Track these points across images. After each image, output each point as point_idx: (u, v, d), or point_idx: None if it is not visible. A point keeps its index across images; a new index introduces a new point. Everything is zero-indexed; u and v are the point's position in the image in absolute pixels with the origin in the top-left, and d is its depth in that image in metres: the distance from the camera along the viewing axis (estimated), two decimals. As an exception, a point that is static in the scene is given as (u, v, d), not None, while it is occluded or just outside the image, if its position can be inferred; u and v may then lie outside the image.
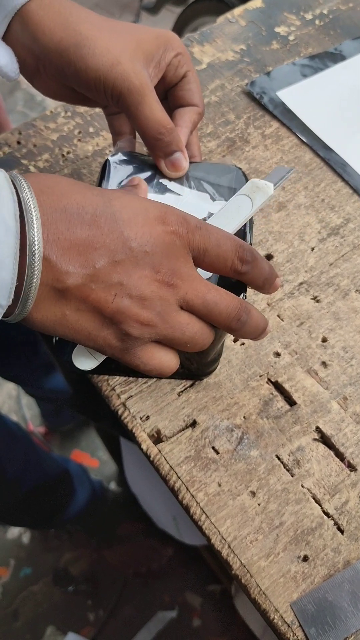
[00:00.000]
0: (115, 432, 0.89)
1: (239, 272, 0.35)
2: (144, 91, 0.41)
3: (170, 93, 0.46)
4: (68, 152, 0.59)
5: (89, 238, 0.30)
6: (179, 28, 2.08)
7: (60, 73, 0.42)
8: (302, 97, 0.62)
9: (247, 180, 0.44)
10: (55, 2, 0.42)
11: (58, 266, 0.30)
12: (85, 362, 0.37)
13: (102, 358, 0.37)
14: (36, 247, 0.28)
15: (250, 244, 0.41)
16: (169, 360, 0.36)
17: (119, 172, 0.43)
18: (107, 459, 1.42)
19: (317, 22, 0.69)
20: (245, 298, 0.38)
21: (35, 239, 0.28)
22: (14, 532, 1.36)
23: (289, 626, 0.37)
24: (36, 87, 0.45)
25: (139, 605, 1.24)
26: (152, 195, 0.43)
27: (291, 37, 0.68)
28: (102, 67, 0.40)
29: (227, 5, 1.77)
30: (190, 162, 0.45)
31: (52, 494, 1.08)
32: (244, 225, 0.42)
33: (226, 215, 0.38)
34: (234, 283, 0.38)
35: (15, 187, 0.29)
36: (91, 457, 1.45)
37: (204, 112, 0.46)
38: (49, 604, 1.27)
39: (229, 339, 0.47)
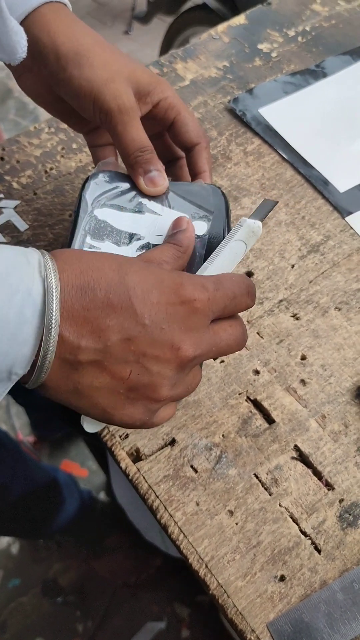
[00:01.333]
0: (101, 444, 0.89)
1: (249, 307, 0.37)
2: (133, 113, 0.42)
3: (171, 135, 0.47)
4: (51, 168, 0.59)
5: (102, 315, 0.31)
6: (170, 37, 2.10)
7: (52, 76, 0.43)
8: (283, 114, 0.62)
9: (225, 199, 0.45)
10: (63, 11, 0.43)
11: (71, 341, 0.30)
12: (93, 424, 0.39)
13: None
14: (53, 326, 0.29)
15: None
16: (172, 412, 0.37)
17: (99, 190, 0.44)
18: (96, 469, 1.42)
19: (299, 39, 0.70)
20: None
21: (53, 319, 0.29)
22: (2, 542, 1.35)
23: (265, 646, 0.37)
24: (21, 85, 0.46)
25: (128, 616, 1.23)
26: (131, 215, 0.43)
27: (274, 54, 0.68)
28: (97, 79, 0.41)
29: (218, 15, 1.78)
30: (170, 182, 0.45)
31: (40, 503, 1.08)
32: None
33: (224, 262, 0.39)
34: None
35: (43, 267, 0.30)
36: (81, 466, 1.44)
37: (208, 140, 0.47)
38: (38, 615, 1.26)
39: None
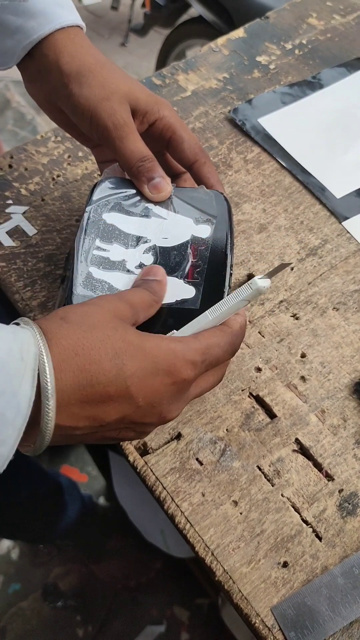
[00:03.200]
0: (103, 446, 0.91)
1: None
2: (129, 128, 0.44)
3: (170, 153, 0.49)
4: (58, 176, 0.61)
5: (100, 404, 0.33)
6: (167, 50, 2.13)
7: (54, 92, 0.46)
8: (282, 123, 0.65)
9: (228, 204, 0.47)
10: (73, 33, 0.46)
11: (67, 426, 0.32)
12: None
13: None
14: (48, 428, 0.30)
15: (231, 266, 0.44)
16: (219, 374, 0.41)
17: (106, 193, 0.46)
18: (96, 474, 1.43)
19: (296, 51, 0.73)
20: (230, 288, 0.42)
21: (49, 420, 0.30)
22: (2, 547, 1.36)
23: (269, 630, 0.39)
24: (28, 91, 0.49)
25: (128, 620, 1.24)
26: (138, 219, 0.45)
27: (272, 66, 0.71)
28: (93, 98, 0.44)
29: (214, 28, 1.82)
30: (176, 187, 0.47)
31: (43, 508, 1.09)
32: (225, 248, 0.44)
33: (224, 315, 0.39)
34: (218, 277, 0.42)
35: (38, 362, 0.30)
36: (80, 472, 1.45)
37: (207, 155, 0.49)
38: (38, 620, 1.27)
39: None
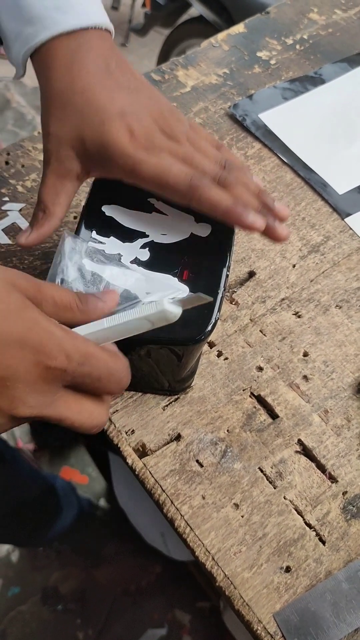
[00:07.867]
0: (103, 447, 0.90)
1: (113, 393, 0.34)
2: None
3: None
4: (55, 172, 0.60)
5: None
6: (167, 49, 2.12)
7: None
8: (283, 119, 0.64)
9: None
10: (75, 40, 0.40)
11: None
12: None
13: None
14: None
15: (229, 267, 0.42)
16: (100, 411, 0.34)
17: (104, 194, 0.45)
18: (96, 476, 1.42)
19: (297, 46, 0.72)
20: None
21: None
22: (2, 550, 1.35)
23: (272, 637, 0.38)
24: None
25: (129, 624, 1.23)
26: (137, 213, 0.44)
27: (272, 61, 0.70)
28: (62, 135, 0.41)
29: (214, 27, 1.81)
30: None
31: (37, 511, 1.08)
32: (223, 248, 0.43)
33: (121, 331, 0.34)
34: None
35: None
36: (81, 473, 1.44)
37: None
38: (38, 624, 1.26)
39: (212, 353, 0.48)
